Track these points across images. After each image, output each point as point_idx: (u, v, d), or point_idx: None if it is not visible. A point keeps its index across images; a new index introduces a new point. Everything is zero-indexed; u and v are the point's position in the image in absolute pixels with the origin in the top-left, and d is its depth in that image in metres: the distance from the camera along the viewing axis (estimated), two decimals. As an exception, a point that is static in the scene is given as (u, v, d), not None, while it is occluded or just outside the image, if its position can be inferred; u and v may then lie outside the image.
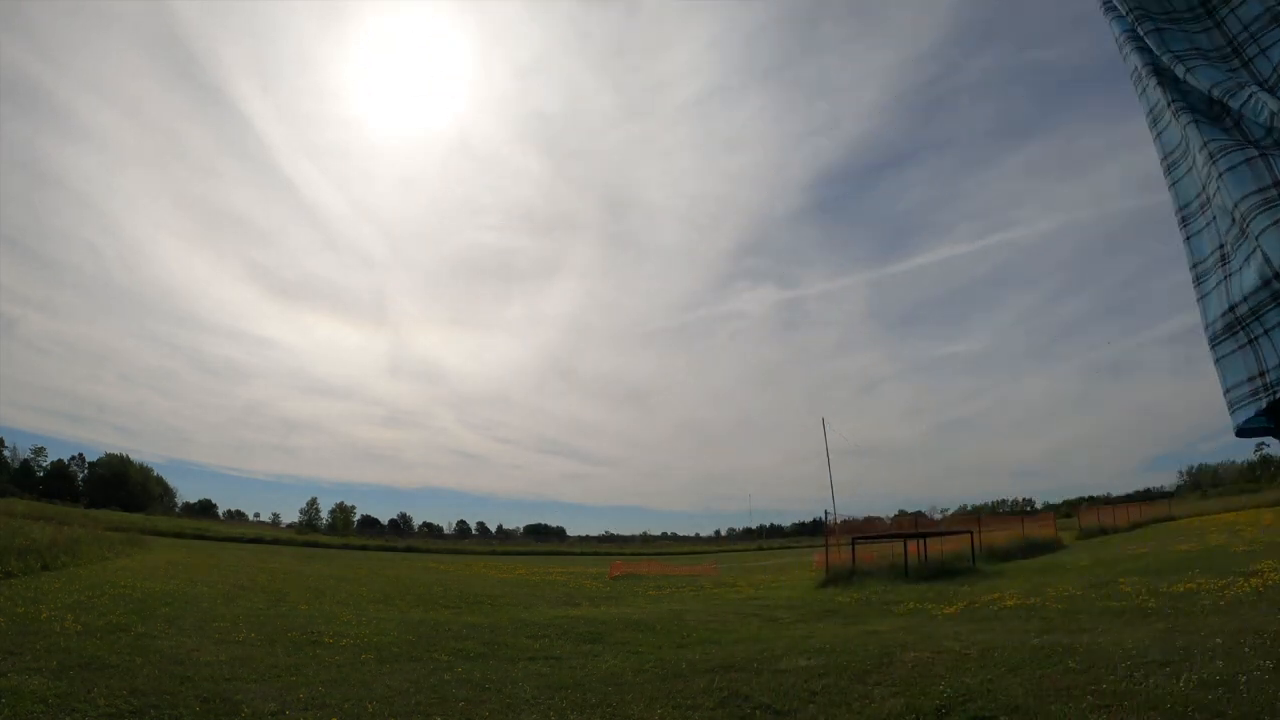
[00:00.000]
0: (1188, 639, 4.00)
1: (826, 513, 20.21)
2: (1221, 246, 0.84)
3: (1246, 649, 3.56)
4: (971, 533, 15.65)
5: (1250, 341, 0.83)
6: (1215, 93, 0.83)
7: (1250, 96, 0.80)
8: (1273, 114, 0.78)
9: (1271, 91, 0.81)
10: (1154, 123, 0.93)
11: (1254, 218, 0.75)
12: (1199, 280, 0.91)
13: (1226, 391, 0.88)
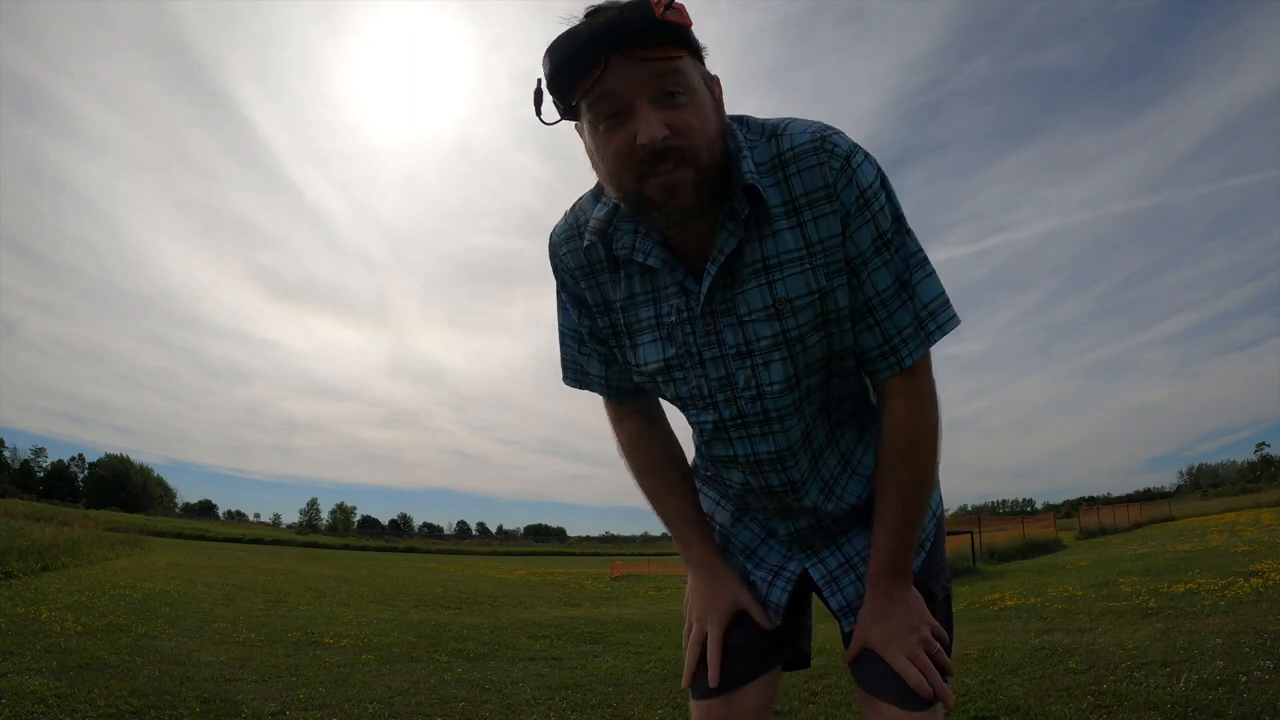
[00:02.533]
0: (1188, 639, 4.00)
1: (826, 513, 20.19)
2: None
3: (1246, 649, 3.56)
4: (971, 533, 15.65)
5: None
6: None
7: None
8: None
9: None
10: None
11: None
12: None
13: None
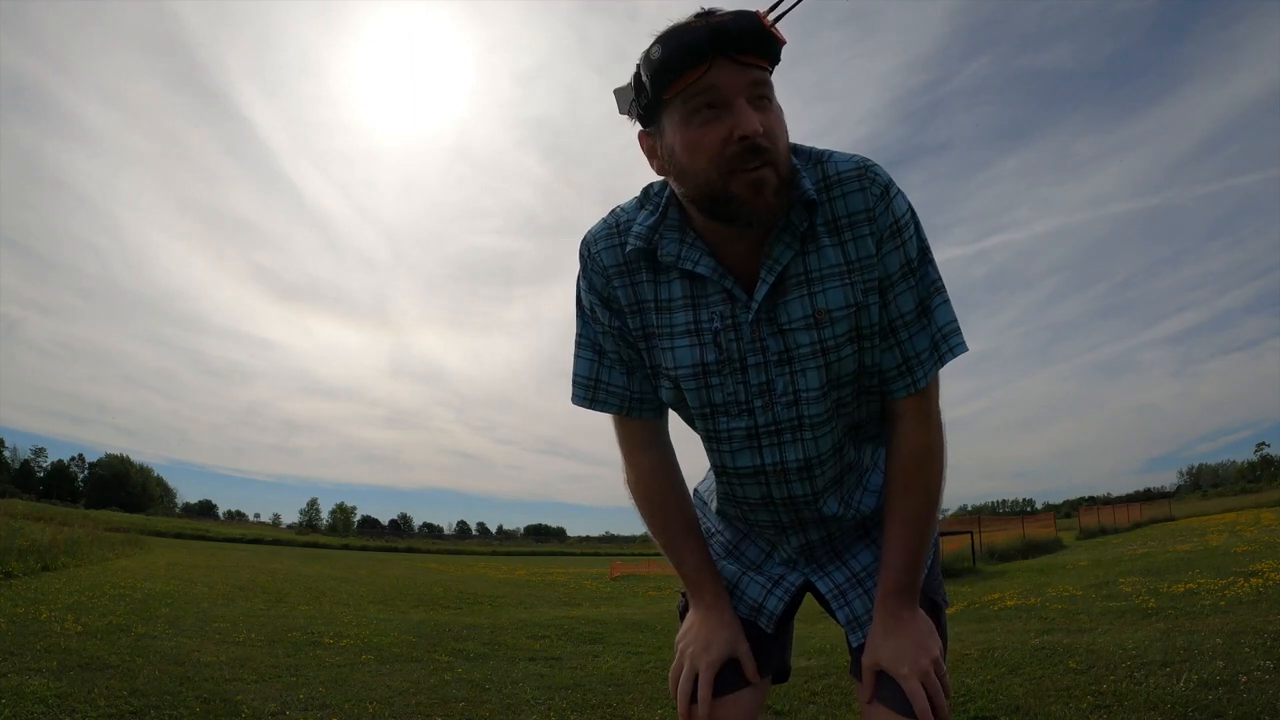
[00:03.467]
0: (1188, 639, 4.00)
1: (826, 513, 20.19)
2: None
3: (1246, 649, 3.56)
4: (971, 533, 15.66)
5: None
6: None
7: None
8: None
9: None
10: None
11: None
12: None
13: None
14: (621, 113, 0.94)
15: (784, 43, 0.86)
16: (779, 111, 0.88)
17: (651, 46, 0.86)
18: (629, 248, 0.97)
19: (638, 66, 0.89)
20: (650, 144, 0.94)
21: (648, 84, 0.87)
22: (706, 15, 0.84)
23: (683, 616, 1.16)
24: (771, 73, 0.88)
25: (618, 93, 0.93)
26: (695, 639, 1.07)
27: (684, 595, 1.16)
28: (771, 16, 0.85)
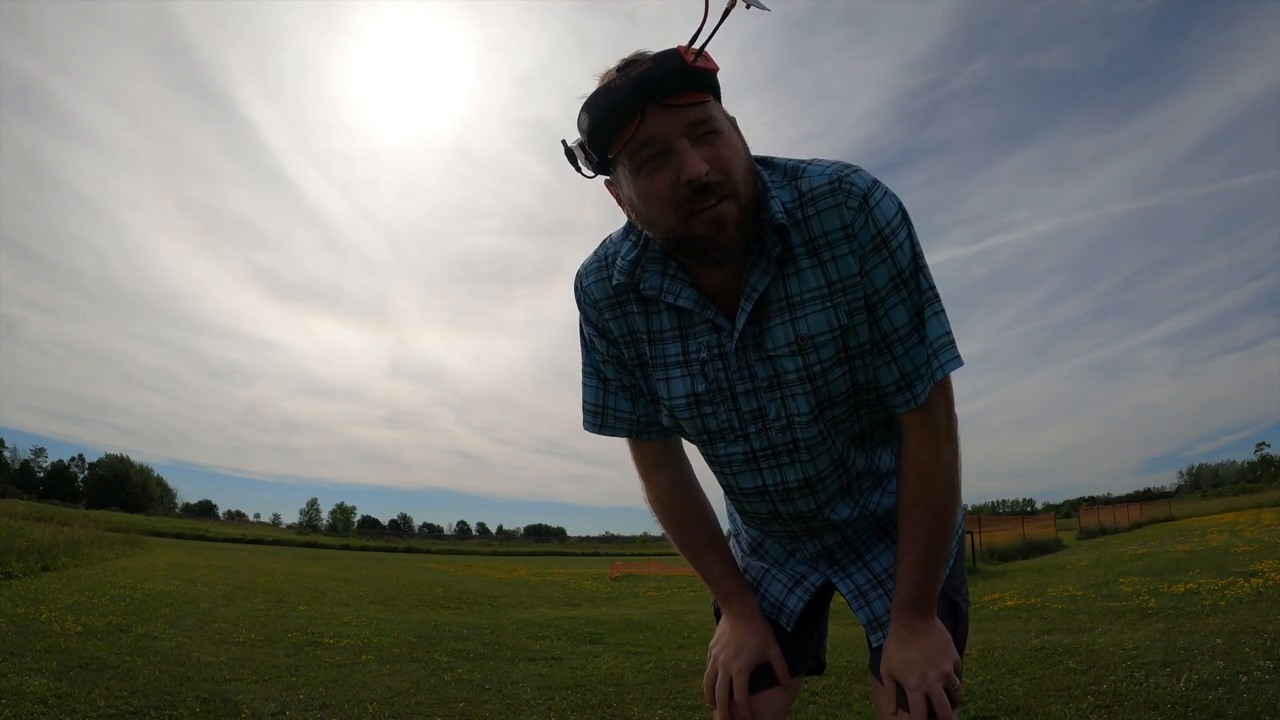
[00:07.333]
0: (1188, 639, 4.00)
1: (826, 513, 20.17)
2: None
3: (1246, 649, 3.56)
4: (971, 533, 15.65)
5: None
6: None
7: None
8: None
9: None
10: None
11: None
12: None
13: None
14: (576, 170, 0.91)
15: (716, 70, 0.83)
16: (730, 137, 0.86)
17: (580, 115, 0.85)
18: (614, 281, 0.97)
19: (563, 142, 0.90)
20: (616, 193, 0.93)
21: (589, 148, 0.87)
22: (628, 67, 0.82)
23: (718, 617, 1.18)
24: (715, 99, 0.85)
25: (568, 153, 0.90)
26: (726, 645, 1.10)
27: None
28: (696, 47, 0.81)
